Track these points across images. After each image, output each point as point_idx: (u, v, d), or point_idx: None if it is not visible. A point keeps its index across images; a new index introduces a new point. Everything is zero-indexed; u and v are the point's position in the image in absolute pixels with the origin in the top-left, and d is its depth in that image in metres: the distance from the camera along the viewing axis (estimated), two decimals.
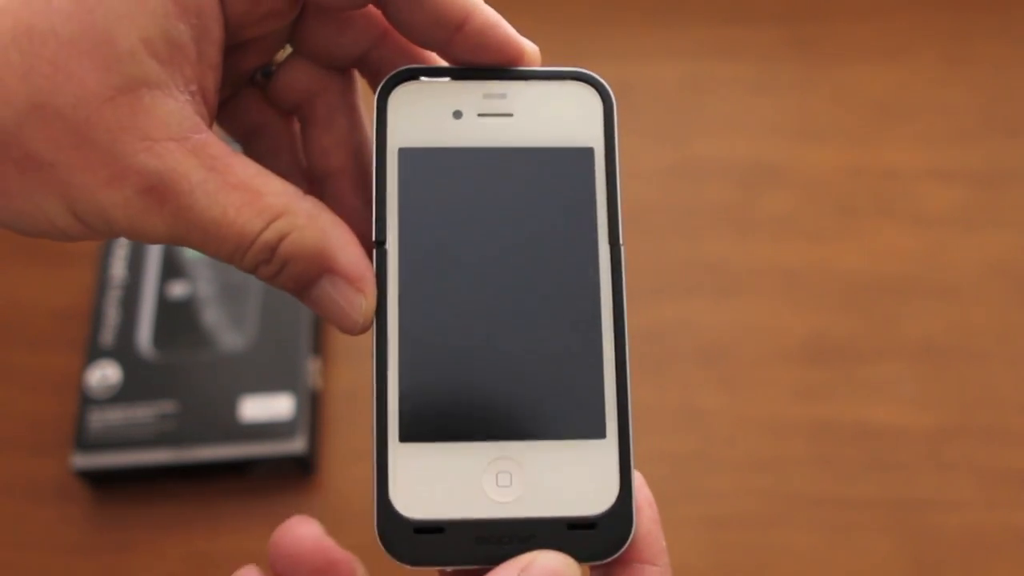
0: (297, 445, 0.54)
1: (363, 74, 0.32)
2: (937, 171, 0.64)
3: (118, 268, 0.59)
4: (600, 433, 0.28)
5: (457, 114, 0.29)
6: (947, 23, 0.69)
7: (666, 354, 0.59)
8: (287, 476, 0.55)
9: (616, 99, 0.30)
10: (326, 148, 0.31)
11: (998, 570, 0.52)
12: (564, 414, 0.28)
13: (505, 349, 0.28)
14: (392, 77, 0.29)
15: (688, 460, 0.56)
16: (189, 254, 0.60)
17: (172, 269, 0.59)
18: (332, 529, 0.57)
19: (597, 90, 0.30)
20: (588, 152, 0.29)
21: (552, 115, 0.30)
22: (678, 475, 0.55)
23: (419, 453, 0.27)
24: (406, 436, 0.27)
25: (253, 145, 0.33)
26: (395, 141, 0.29)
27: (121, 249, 0.60)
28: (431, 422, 0.28)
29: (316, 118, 0.31)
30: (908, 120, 0.66)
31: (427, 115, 0.29)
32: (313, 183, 0.32)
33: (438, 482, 0.27)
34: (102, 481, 0.55)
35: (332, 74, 0.31)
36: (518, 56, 0.29)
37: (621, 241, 0.29)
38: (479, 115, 0.29)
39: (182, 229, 0.27)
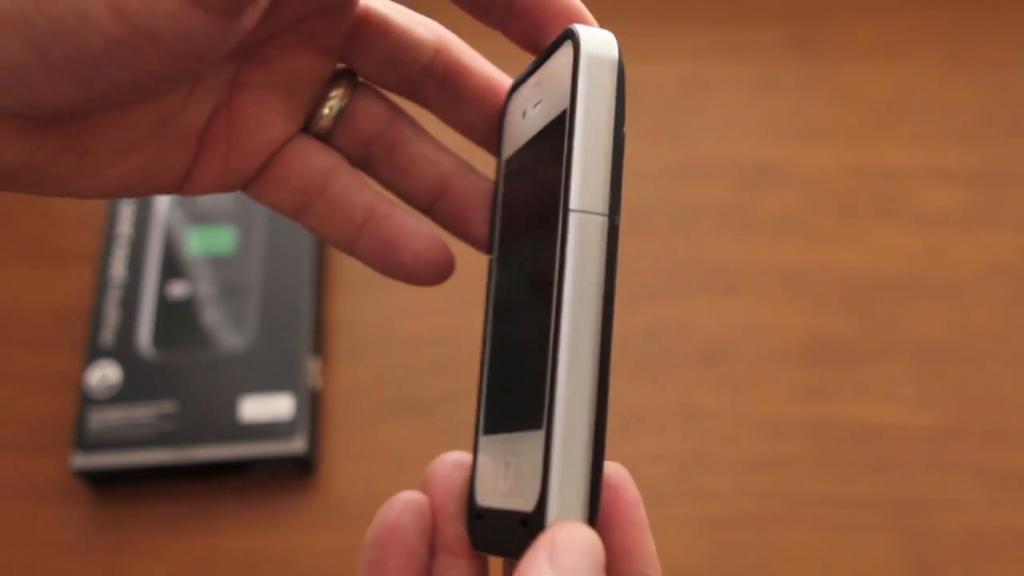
0: (297, 445, 0.54)
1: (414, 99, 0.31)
2: (937, 171, 0.64)
3: (118, 268, 0.59)
4: (537, 423, 0.26)
5: (524, 114, 0.29)
6: (947, 23, 0.69)
7: (666, 354, 0.59)
8: (287, 476, 0.55)
9: (585, 46, 0.27)
10: (430, 156, 0.31)
11: (998, 570, 0.52)
12: (526, 404, 0.27)
13: (505, 345, 0.28)
14: (512, 84, 0.30)
15: (688, 460, 0.56)
16: (189, 254, 0.60)
17: (172, 269, 0.59)
18: (332, 529, 0.58)
19: (572, 42, 0.26)
20: (563, 116, 0.27)
21: (554, 87, 0.28)
22: (678, 475, 0.55)
23: (485, 445, 0.29)
24: (483, 429, 0.29)
25: (321, 201, 0.30)
26: (503, 153, 0.30)
27: (121, 249, 0.60)
28: (486, 417, 0.29)
29: (399, 139, 0.31)
30: (908, 120, 0.66)
31: (513, 120, 0.29)
32: (424, 199, 0.31)
33: (486, 472, 0.28)
34: (102, 481, 0.55)
35: (392, 108, 0.31)
36: (579, 18, 0.28)
37: (573, 206, 0.25)
38: (530, 108, 0.29)
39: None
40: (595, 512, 0.25)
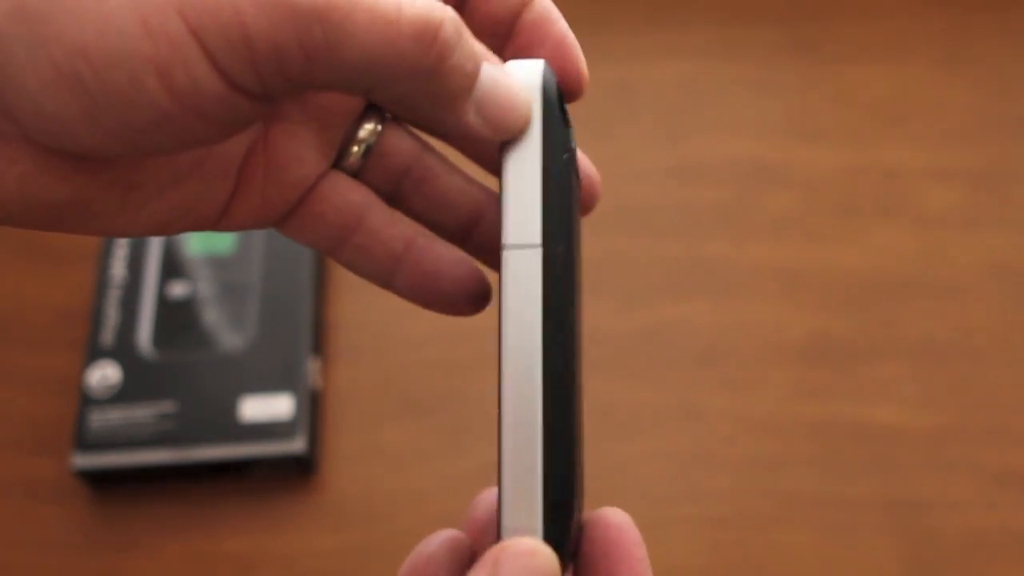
0: (297, 445, 0.54)
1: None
2: (937, 171, 0.64)
3: (118, 268, 0.59)
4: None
5: None
6: (947, 23, 0.69)
7: (666, 354, 0.59)
8: (287, 476, 0.55)
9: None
10: (462, 188, 0.31)
11: (998, 570, 0.52)
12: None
13: None
14: None
15: (688, 460, 0.56)
16: (189, 254, 0.60)
17: (172, 269, 0.59)
18: (332, 529, 0.57)
19: None
20: None
21: None
22: (678, 475, 0.55)
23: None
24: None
25: (359, 235, 0.31)
26: None
27: (121, 249, 0.60)
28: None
29: (429, 173, 0.31)
30: (908, 120, 0.66)
31: None
32: (458, 231, 0.31)
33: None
34: (102, 481, 0.55)
35: (420, 142, 0.31)
36: (564, 49, 0.28)
37: (504, 242, 0.26)
38: None
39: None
40: (560, 533, 0.24)
